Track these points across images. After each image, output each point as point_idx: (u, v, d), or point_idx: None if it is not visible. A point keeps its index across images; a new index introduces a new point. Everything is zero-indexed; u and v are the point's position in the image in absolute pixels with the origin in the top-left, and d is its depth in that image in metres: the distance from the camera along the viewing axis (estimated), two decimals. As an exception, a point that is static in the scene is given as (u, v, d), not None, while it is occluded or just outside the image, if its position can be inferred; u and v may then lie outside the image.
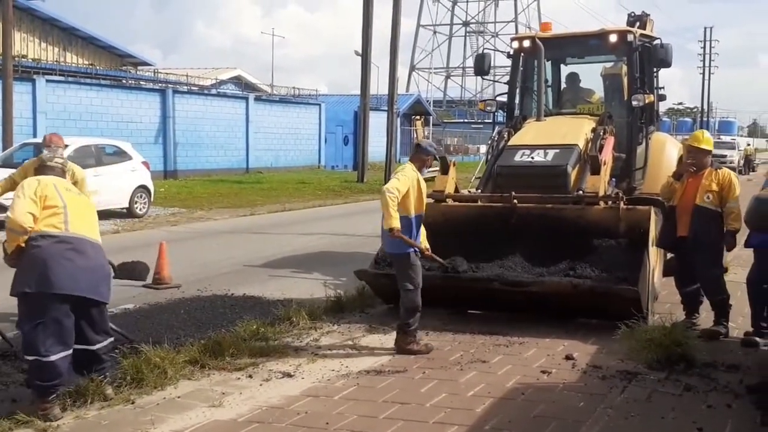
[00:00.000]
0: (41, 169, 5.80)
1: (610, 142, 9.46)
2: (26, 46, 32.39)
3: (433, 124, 56.38)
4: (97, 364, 5.61)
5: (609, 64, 11.45)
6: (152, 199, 18.76)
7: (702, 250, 7.43)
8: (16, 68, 22.57)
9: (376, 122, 35.53)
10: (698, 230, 7.45)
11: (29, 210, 5.34)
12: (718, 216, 7.41)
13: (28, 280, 5.29)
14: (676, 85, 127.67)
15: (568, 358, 6.69)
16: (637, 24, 11.41)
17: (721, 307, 7.48)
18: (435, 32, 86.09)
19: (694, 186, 7.56)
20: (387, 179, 29.41)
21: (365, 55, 30.13)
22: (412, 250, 6.96)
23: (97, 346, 5.62)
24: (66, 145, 9.03)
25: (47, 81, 25.35)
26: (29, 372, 5.40)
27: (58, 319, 5.29)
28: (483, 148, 42.23)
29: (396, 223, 6.71)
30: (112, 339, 5.85)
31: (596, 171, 8.72)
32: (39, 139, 19.94)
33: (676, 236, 7.63)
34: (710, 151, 7.66)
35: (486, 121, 48.96)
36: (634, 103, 10.06)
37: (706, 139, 7.70)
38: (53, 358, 5.25)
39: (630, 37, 10.26)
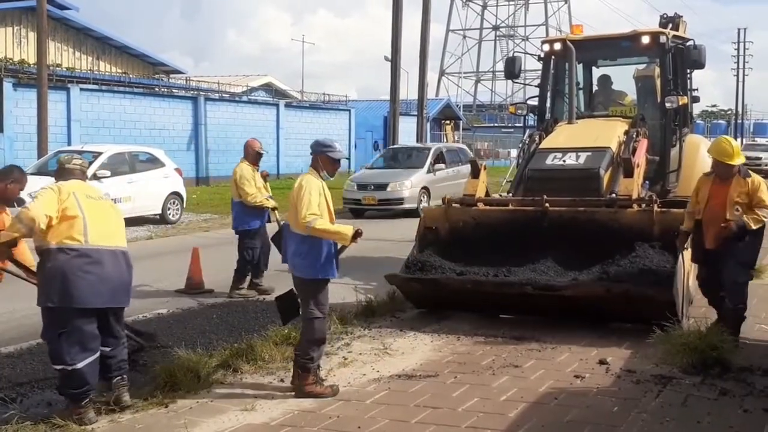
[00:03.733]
0: (61, 172, 5.66)
1: (643, 145, 9.37)
2: (61, 55, 32.86)
3: (463, 129, 56.27)
4: (114, 365, 5.57)
5: (641, 66, 11.34)
6: (185, 206, 18.93)
7: (733, 258, 7.09)
8: (50, 77, 22.92)
9: (406, 127, 35.49)
10: (731, 243, 7.07)
11: (49, 213, 5.24)
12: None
13: (50, 294, 5.28)
14: (709, 87, 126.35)
15: (602, 362, 6.62)
16: (670, 25, 11.32)
17: (737, 317, 7.12)
18: (465, 37, 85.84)
19: (720, 197, 7.07)
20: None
21: (395, 61, 30.12)
22: (334, 275, 5.98)
23: (109, 349, 5.57)
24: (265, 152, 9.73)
25: (81, 89, 25.68)
26: (59, 380, 5.44)
27: (80, 328, 5.30)
28: (513, 152, 42.03)
29: (349, 229, 5.85)
30: (125, 340, 5.82)
31: (629, 174, 8.64)
32: (73, 147, 20.32)
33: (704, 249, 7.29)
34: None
35: (516, 125, 48.78)
36: (668, 105, 9.96)
37: (737, 153, 7.04)
38: (80, 365, 5.28)
39: (662, 39, 10.16)
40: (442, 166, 21.14)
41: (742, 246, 7.06)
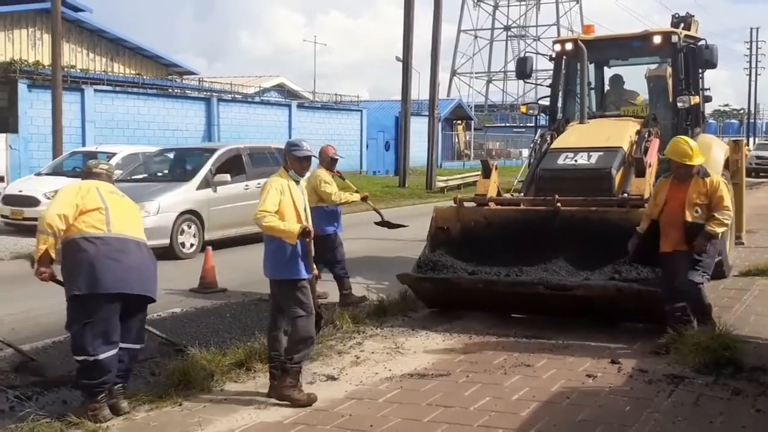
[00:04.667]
0: (87, 176, 5.84)
1: (655, 144, 9.36)
2: (75, 56, 33.00)
3: (474, 129, 56.21)
4: (120, 368, 5.55)
5: (653, 66, 11.33)
6: (197, 206, 18.95)
7: (691, 259, 6.88)
8: (65, 78, 23.02)
9: (418, 127, 35.52)
10: (689, 247, 6.87)
11: (61, 212, 5.35)
12: None
13: (78, 282, 5.35)
14: (722, 87, 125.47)
15: (614, 362, 6.62)
16: (682, 25, 11.30)
17: (703, 314, 6.99)
18: (476, 37, 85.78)
19: (679, 199, 6.94)
20: (429, 185, 29.59)
21: (406, 61, 30.17)
22: (302, 276, 5.82)
23: (129, 346, 5.59)
24: (339, 158, 9.68)
25: (95, 91, 25.83)
26: (78, 372, 5.47)
27: (105, 319, 5.35)
28: (525, 152, 41.95)
29: (296, 227, 5.71)
30: (142, 346, 5.84)
31: (641, 173, 8.63)
32: (88, 148, 20.47)
33: (651, 251, 7.11)
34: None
35: (528, 125, 48.68)
36: (680, 104, 9.94)
37: (696, 153, 6.89)
38: (101, 356, 5.32)
39: (674, 38, 10.15)
40: (226, 177, 13.88)
41: (705, 253, 6.87)
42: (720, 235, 6.90)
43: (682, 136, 7.47)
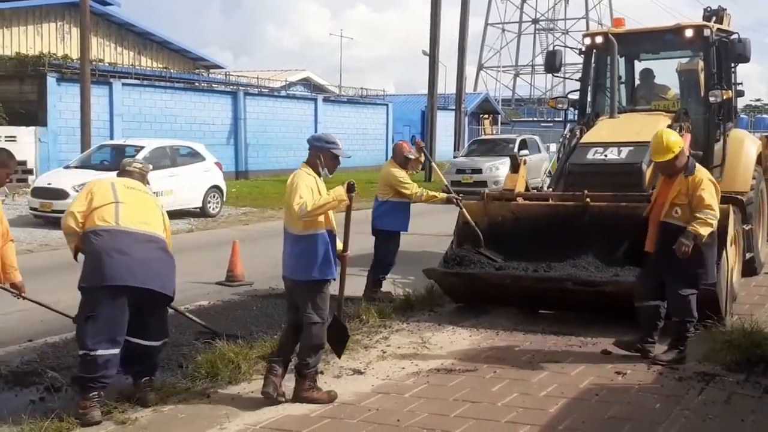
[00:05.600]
0: (122, 173, 5.93)
1: (686, 139, 9.22)
2: (103, 50, 33.24)
3: (501, 123, 55.95)
4: (145, 362, 5.54)
5: (685, 60, 11.19)
6: (224, 199, 19.10)
7: (675, 268, 6.45)
8: (93, 72, 23.19)
9: (444, 122, 35.41)
10: (667, 250, 6.39)
11: (73, 210, 5.49)
12: None
13: (84, 275, 5.37)
14: (754, 81, 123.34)
15: (644, 359, 6.55)
16: (714, 18, 11.13)
17: (681, 331, 6.52)
18: (504, 30, 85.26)
19: (664, 197, 6.59)
20: (455, 178, 29.44)
21: (433, 55, 30.10)
22: (331, 276, 5.67)
23: (148, 343, 5.52)
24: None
25: (123, 84, 26.01)
26: (78, 367, 5.38)
27: (109, 314, 5.22)
28: (552, 147, 41.69)
29: (339, 188, 5.52)
30: (166, 341, 5.78)
31: (671, 169, 8.51)
32: (116, 141, 20.63)
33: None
34: (676, 156, 6.47)
35: (556, 119, 48.39)
36: (712, 99, 9.80)
37: (668, 148, 6.44)
38: (100, 352, 5.18)
39: (707, 32, 10.00)
40: None
41: (683, 260, 6.32)
42: (705, 237, 6.32)
43: (666, 129, 7.11)
